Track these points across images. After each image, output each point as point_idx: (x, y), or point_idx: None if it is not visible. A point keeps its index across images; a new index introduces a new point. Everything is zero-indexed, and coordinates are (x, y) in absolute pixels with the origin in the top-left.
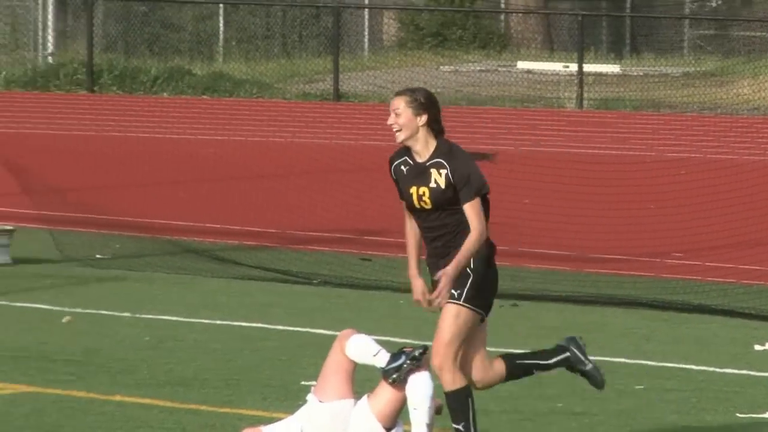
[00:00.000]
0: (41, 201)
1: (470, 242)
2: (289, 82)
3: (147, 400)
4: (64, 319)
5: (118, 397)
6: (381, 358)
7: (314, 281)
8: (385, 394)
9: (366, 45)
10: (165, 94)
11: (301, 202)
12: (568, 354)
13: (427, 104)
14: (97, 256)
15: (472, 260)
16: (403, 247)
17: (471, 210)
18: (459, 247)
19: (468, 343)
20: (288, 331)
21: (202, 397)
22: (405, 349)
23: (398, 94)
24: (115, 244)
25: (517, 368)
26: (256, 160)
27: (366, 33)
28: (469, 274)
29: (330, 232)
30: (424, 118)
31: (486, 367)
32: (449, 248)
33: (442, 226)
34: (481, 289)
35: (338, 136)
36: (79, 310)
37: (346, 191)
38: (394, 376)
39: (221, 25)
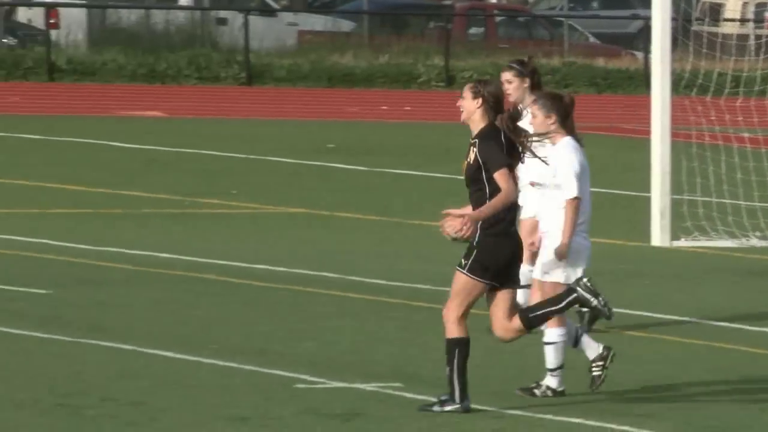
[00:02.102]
0: None
1: (497, 198)
2: None
3: None
4: None
5: None
6: None
7: None
8: None
9: None
10: None
11: None
12: (575, 294)
13: (485, 94)
14: None
15: (478, 234)
16: None
17: (499, 177)
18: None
19: (492, 302)
20: None
21: None
22: None
23: (468, 83)
24: None
25: (534, 319)
26: None
27: None
28: (474, 248)
29: None
30: (479, 102)
31: (505, 326)
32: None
33: (471, 200)
34: (486, 262)
35: None
36: None
37: None
38: None
39: None
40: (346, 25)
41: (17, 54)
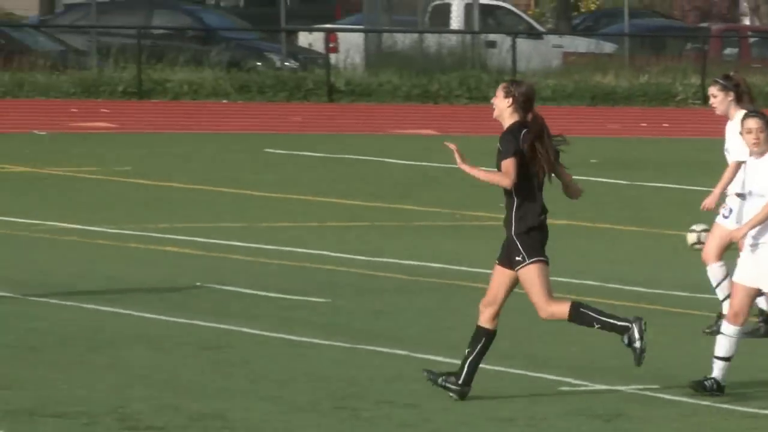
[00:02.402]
0: None
1: (495, 173)
2: None
3: None
4: None
5: None
6: None
7: None
8: None
9: None
10: None
11: None
12: (630, 325)
13: (516, 93)
14: None
15: (513, 228)
16: None
17: (504, 164)
18: (508, 218)
19: (496, 276)
20: None
21: None
22: None
23: (501, 83)
24: None
25: (582, 316)
26: None
27: None
28: (515, 241)
29: None
30: (509, 101)
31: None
32: (505, 217)
33: (503, 195)
34: (531, 245)
35: None
36: None
37: None
38: None
39: None
40: (608, 46)
41: (299, 76)
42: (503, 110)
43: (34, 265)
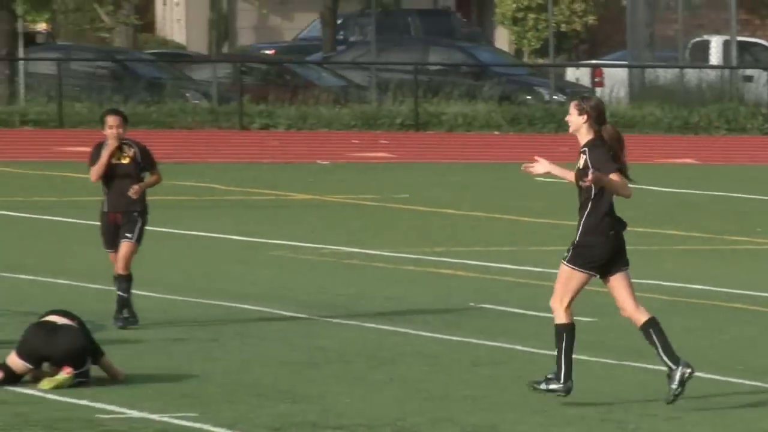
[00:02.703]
0: None
1: (617, 182)
2: None
3: None
4: None
5: None
6: None
7: None
8: None
9: None
10: None
11: None
12: (680, 368)
13: (588, 109)
14: None
15: (578, 236)
16: None
17: (615, 178)
18: (581, 222)
19: (612, 288)
20: None
21: None
22: None
23: (574, 100)
24: None
25: (649, 335)
26: None
27: None
28: (574, 242)
29: None
30: (584, 118)
31: (636, 307)
32: (578, 222)
33: (580, 200)
34: (585, 255)
35: None
36: None
37: None
38: None
39: None
40: None
41: (566, 109)
42: (580, 126)
43: (319, 286)
